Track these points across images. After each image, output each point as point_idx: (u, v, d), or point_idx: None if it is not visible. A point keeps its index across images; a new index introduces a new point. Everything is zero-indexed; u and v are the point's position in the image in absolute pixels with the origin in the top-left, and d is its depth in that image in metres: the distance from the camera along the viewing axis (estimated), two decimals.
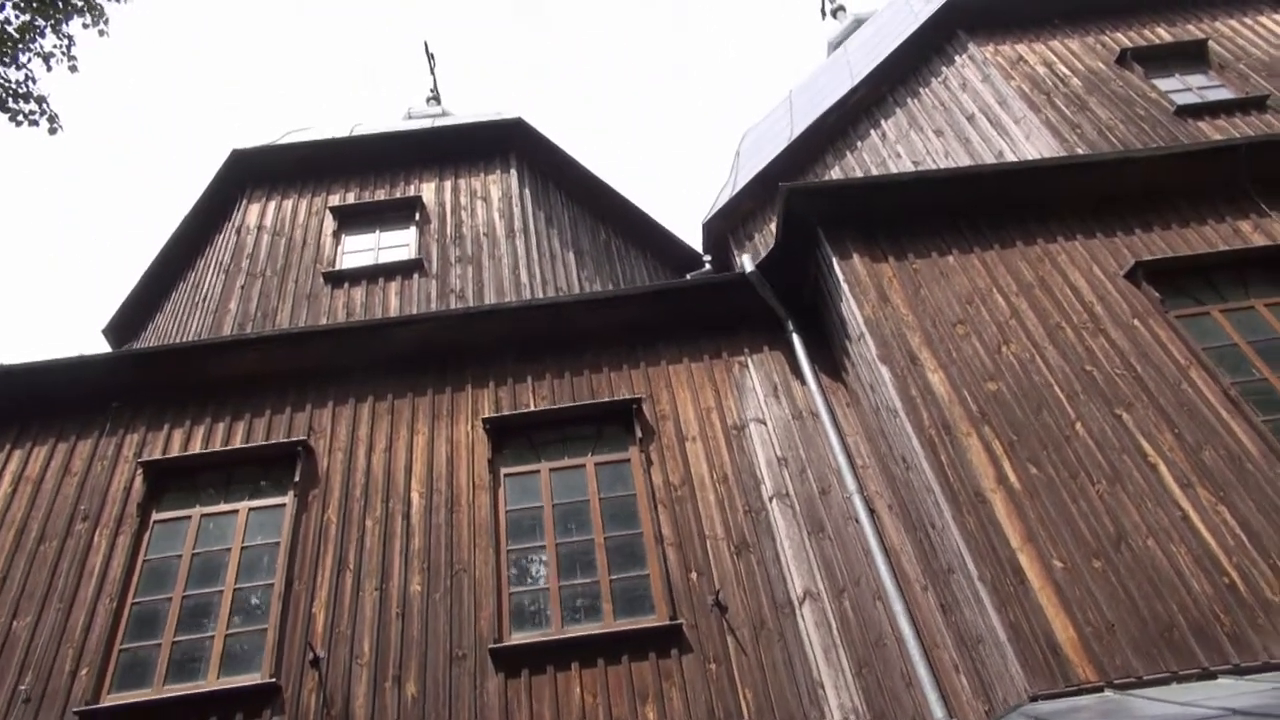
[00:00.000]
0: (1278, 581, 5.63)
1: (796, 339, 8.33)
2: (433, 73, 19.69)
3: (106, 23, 6.65)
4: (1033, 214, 8.16)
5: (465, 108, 19.82)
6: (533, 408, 8.05)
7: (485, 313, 8.27)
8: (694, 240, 13.09)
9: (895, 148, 11.10)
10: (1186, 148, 8.39)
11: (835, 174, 11.59)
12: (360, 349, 8.32)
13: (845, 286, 7.67)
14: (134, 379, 8.33)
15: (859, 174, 11.34)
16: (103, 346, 12.06)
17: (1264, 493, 6.09)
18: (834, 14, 20.23)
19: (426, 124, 12.16)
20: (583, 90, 52.14)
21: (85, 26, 6.71)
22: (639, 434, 7.75)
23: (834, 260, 7.88)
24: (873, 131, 11.50)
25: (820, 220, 8.15)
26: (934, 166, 10.52)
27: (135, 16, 43.41)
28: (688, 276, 11.14)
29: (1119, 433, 6.50)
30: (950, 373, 6.97)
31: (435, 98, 19.14)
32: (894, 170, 10.88)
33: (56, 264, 41.26)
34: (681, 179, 47.34)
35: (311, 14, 47.75)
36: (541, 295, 9.55)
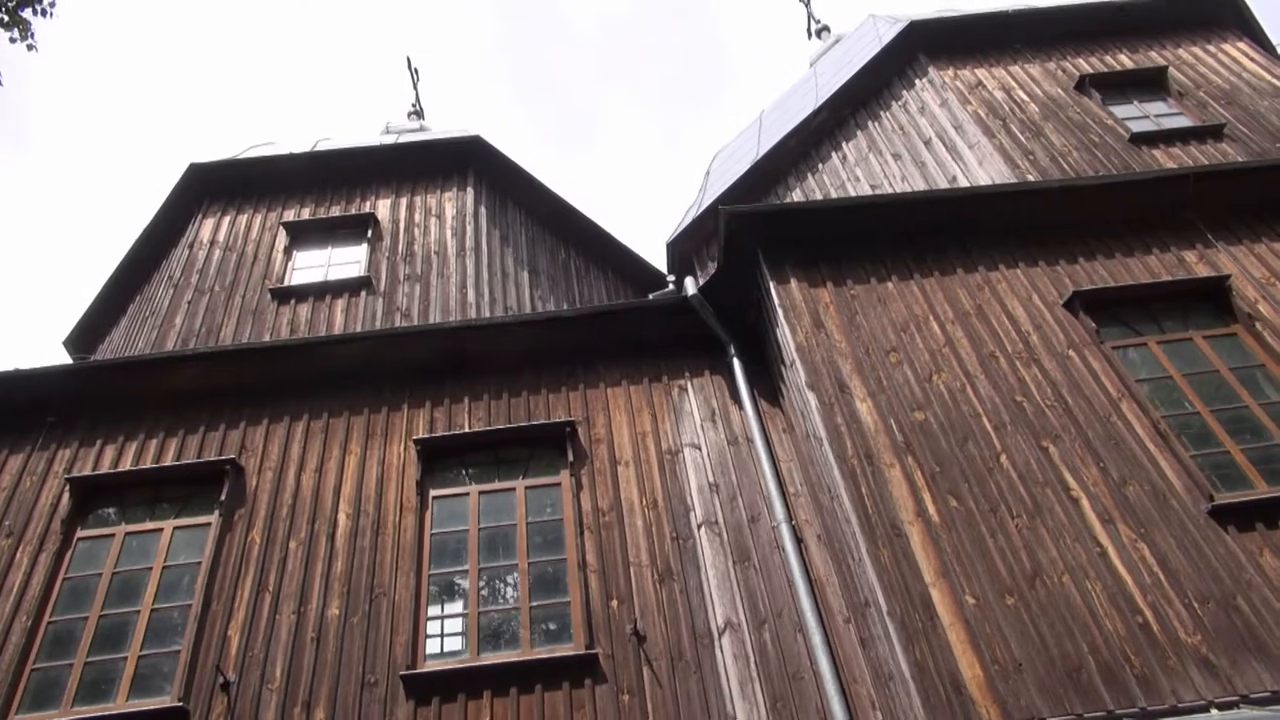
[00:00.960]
0: (1192, 622, 5.52)
1: (737, 363, 8.24)
2: (415, 88, 19.71)
3: (33, 36, 6.61)
4: (976, 240, 8.09)
5: (446, 123, 19.88)
6: (467, 429, 7.98)
7: (420, 333, 8.23)
8: (662, 260, 13.01)
9: (855, 170, 11.04)
10: (1132, 176, 8.32)
11: (796, 196, 11.54)
12: (297, 367, 8.27)
13: (780, 312, 7.60)
14: (70, 394, 8.29)
15: (819, 196, 11.28)
16: (63, 359, 12.02)
17: (1185, 529, 5.99)
18: (818, 34, 20.24)
19: (397, 139, 12.15)
20: (569, 106, 52.31)
21: (13, 41, 6.67)
22: (570, 458, 7.67)
23: (771, 285, 7.82)
24: (834, 154, 11.45)
25: (761, 244, 8.09)
26: (890, 190, 10.47)
27: (126, 23, 43.69)
28: (649, 297, 11.07)
29: (1044, 466, 6.41)
30: (878, 401, 6.88)
31: (417, 112, 19.16)
32: (852, 193, 10.83)
33: (25, 270, 41.34)
34: (664, 198, 47.42)
35: (299, 28, 47.98)
36: (489, 314, 9.50)
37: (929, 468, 6.42)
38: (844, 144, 11.39)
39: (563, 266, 11.42)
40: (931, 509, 6.19)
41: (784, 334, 7.53)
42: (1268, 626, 5.48)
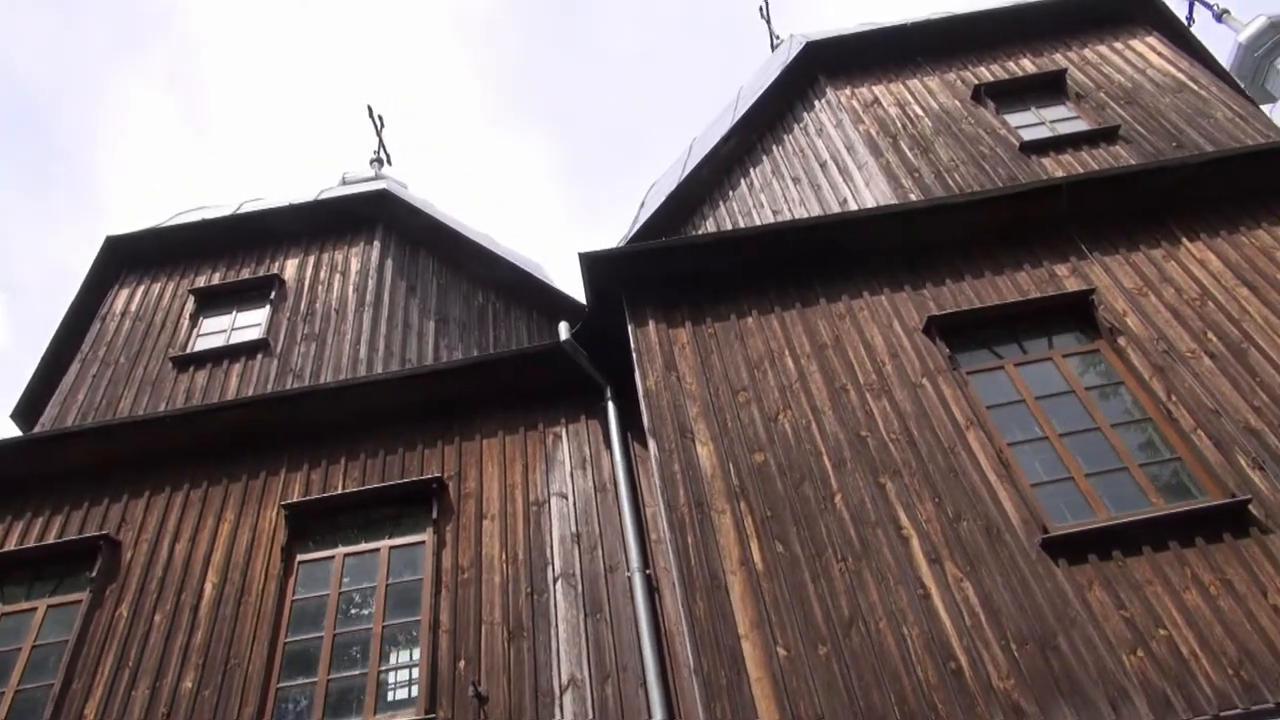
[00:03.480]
0: (1007, 665, 5.31)
1: (611, 407, 8.14)
2: (379, 135, 19.94)
3: None
4: (840, 268, 7.91)
5: (410, 170, 19.99)
6: (340, 490, 7.99)
7: (294, 396, 8.27)
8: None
9: (760, 196, 10.91)
10: (1001, 191, 8.11)
11: (709, 225, 11.43)
12: (175, 438, 8.35)
13: (635, 355, 7.51)
14: None
15: (728, 225, 11.16)
16: (12, 432, 12.31)
17: (1015, 566, 5.77)
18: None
19: (318, 196, 12.26)
20: (548, 137, 52.53)
21: None
22: (435, 515, 7.63)
23: (630, 327, 7.73)
24: (743, 180, 11.33)
25: (623, 286, 8.00)
26: (790, 215, 10.32)
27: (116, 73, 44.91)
28: (524, 345, 11.03)
29: (878, 504, 6.22)
30: (720, 445, 6.75)
31: (379, 160, 19.38)
32: (757, 221, 10.69)
33: None
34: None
35: (267, 79, 48.75)
36: (381, 369, 9.52)
37: (761, 512, 6.28)
38: (752, 170, 11.27)
39: (479, 311, 11.43)
40: (757, 556, 6.04)
41: (638, 377, 7.43)
42: (1085, 667, 5.24)
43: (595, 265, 8.00)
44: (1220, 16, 18.98)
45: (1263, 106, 17.30)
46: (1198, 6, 19.35)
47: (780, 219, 10.34)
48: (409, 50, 51.00)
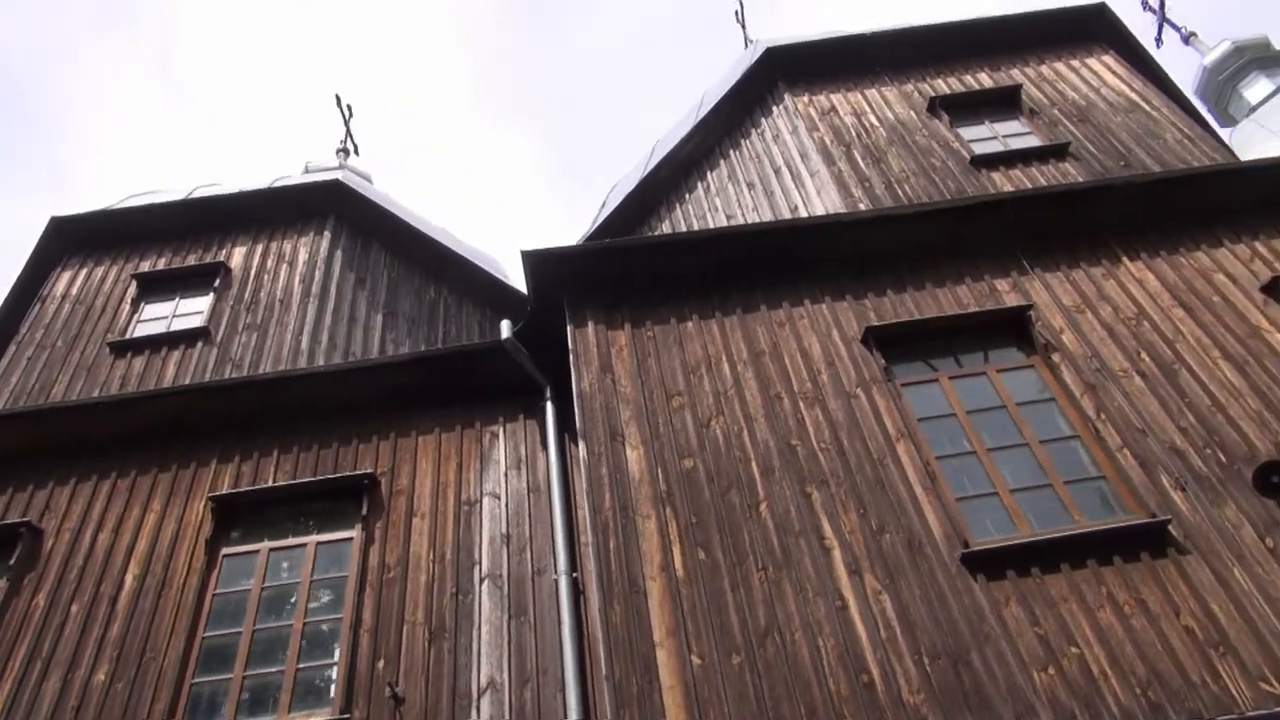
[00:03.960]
0: (919, 679, 5.29)
1: (549, 407, 8.07)
2: (347, 124, 19.77)
3: None
4: (784, 275, 7.88)
5: (377, 161, 19.84)
6: (271, 484, 7.86)
7: (230, 386, 8.14)
8: None
9: (715, 200, 10.89)
10: (949, 204, 8.12)
11: (665, 227, 11.39)
12: (106, 425, 8.19)
13: (572, 357, 7.44)
14: None
15: (683, 228, 11.13)
16: None
17: (934, 579, 5.75)
18: None
19: (272, 184, 12.11)
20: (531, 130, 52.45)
21: None
22: (365, 511, 7.53)
23: (569, 328, 7.67)
24: (699, 183, 11.30)
25: (565, 286, 7.93)
26: (743, 220, 10.29)
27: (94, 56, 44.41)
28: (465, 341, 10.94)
29: (803, 513, 6.19)
30: (650, 450, 6.69)
31: (345, 150, 19.21)
32: (711, 224, 10.66)
33: None
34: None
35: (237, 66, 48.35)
36: (322, 362, 9.41)
37: (686, 519, 6.23)
38: (709, 173, 11.23)
39: (430, 306, 11.33)
40: (678, 563, 5.99)
41: (574, 380, 7.36)
42: (995, 683, 5.23)
43: (537, 265, 7.92)
44: (1188, 39, 19.16)
45: (1227, 129, 17.49)
46: (1166, 29, 19.53)
47: (733, 223, 10.31)
48: (399, 43, 50.81)
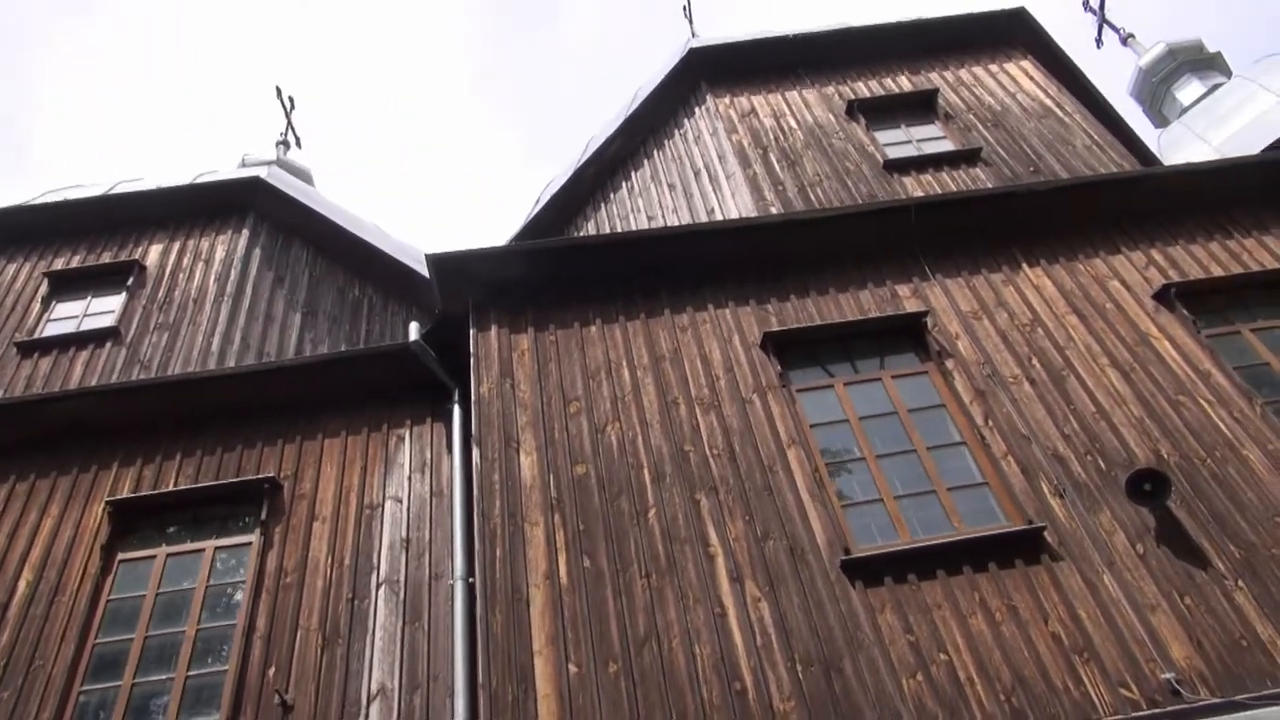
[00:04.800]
0: (790, 686, 5.35)
1: (456, 410, 8.05)
2: (288, 117, 19.55)
3: None
4: (690, 279, 7.90)
5: (319, 154, 19.59)
6: (171, 488, 7.78)
7: (135, 388, 8.05)
8: None
9: (638, 200, 10.90)
10: (853, 209, 8.19)
11: (590, 228, 11.39)
12: (6, 427, 8.06)
13: (472, 361, 7.43)
14: None
15: (608, 229, 11.13)
16: None
17: (814, 586, 5.82)
18: None
19: (194, 180, 11.92)
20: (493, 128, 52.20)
21: None
22: (264, 515, 7.47)
23: (472, 331, 7.65)
24: (624, 184, 11.31)
25: (472, 289, 7.91)
26: (663, 222, 10.31)
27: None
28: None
29: (691, 520, 6.23)
30: (544, 456, 6.71)
31: (285, 143, 19.00)
32: (634, 225, 10.67)
33: None
34: None
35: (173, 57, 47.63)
36: (233, 363, 9.32)
37: (574, 526, 6.25)
38: (634, 173, 11.24)
39: (353, 305, 11.25)
40: (563, 570, 6.01)
41: (473, 384, 7.35)
42: (865, 690, 5.31)
43: (442, 267, 7.90)
44: (1126, 40, 19.41)
45: (1159, 131, 17.76)
46: (1105, 29, 19.76)
47: (654, 225, 10.32)
48: (398, 43, 50.29)
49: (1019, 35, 11.06)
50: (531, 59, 53.37)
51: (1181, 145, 15.43)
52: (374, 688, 6.43)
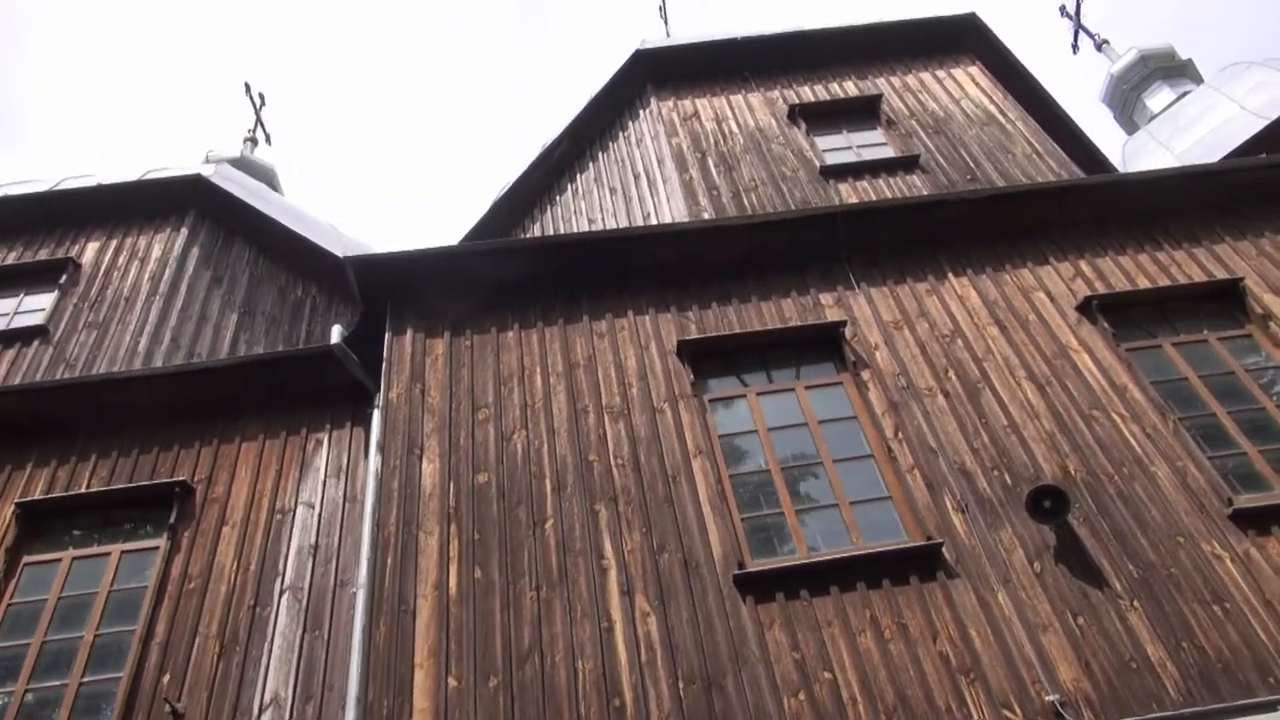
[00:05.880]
0: (671, 704, 5.27)
1: (376, 415, 7.95)
2: (258, 113, 19.48)
3: None
4: (614, 285, 7.80)
5: (288, 151, 19.49)
6: (83, 490, 7.69)
7: (47, 389, 7.96)
8: None
9: (580, 203, 10.81)
10: (780, 216, 8.10)
11: (536, 230, 11.30)
12: None
13: (384, 365, 7.34)
14: None
15: (551, 231, 11.04)
16: None
17: (705, 601, 5.73)
18: None
19: (169, 174, 11.77)
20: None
21: None
22: (173, 520, 7.38)
23: (388, 335, 7.56)
24: (570, 186, 11.21)
25: (391, 293, 7.82)
26: (603, 225, 10.22)
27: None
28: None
29: (588, 531, 6.14)
30: (447, 463, 6.62)
31: (254, 139, 18.93)
32: (575, 229, 10.58)
33: None
34: None
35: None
36: (162, 363, 9.22)
37: (469, 535, 6.16)
38: (579, 176, 11.15)
39: (295, 305, 11.15)
40: (453, 581, 5.92)
41: (382, 389, 7.26)
42: (745, 708, 5.22)
43: (361, 271, 7.81)
44: (1100, 46, 19.30)
45: (1129, 137, 17.63)
46: (1081, 35, 19.67)
47: (594, 228, 10.23)
48: (399, 44, 50.21)
49: (969, 41, 10.96)
50: (534, 59, 53.32)
51: (1146, 153, 15.32)
52: (267, 697, 6.33)
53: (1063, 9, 20.27)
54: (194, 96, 48.22)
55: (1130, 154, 15.93)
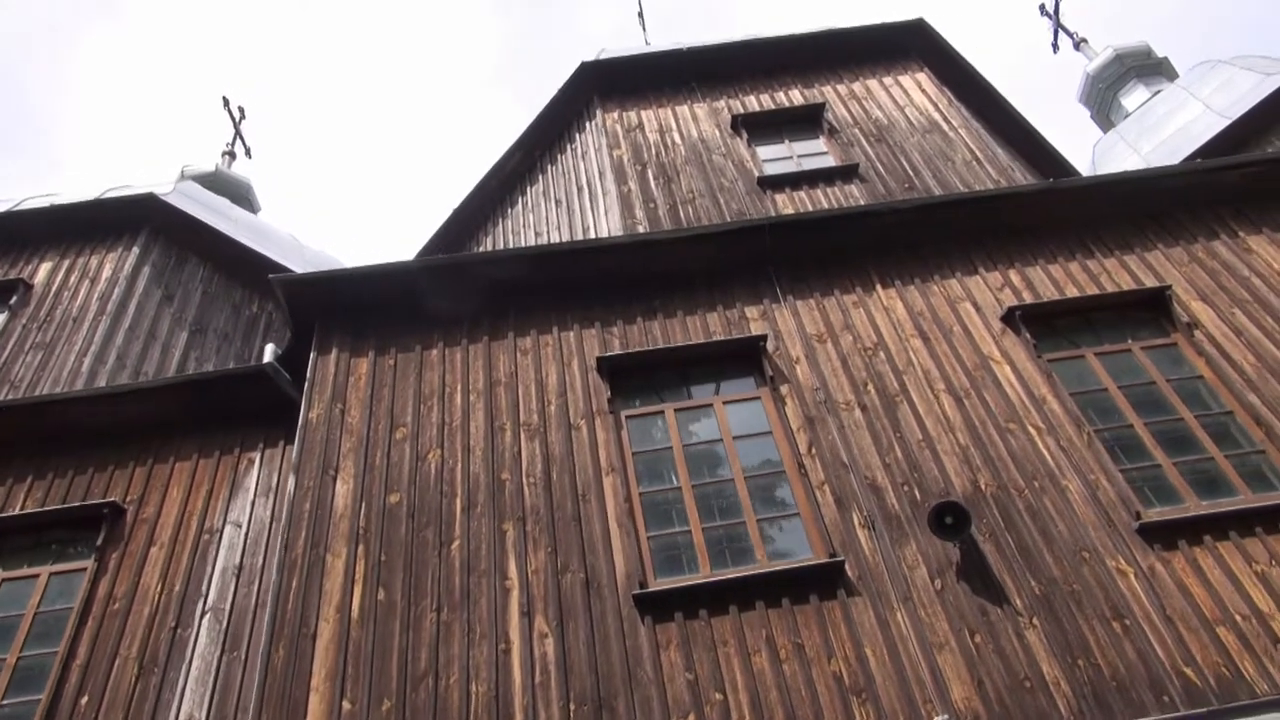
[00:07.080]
0: None
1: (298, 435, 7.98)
2: (236, 127, 19.60)
3: None
4: (540, 301, 7.81)
5: (267, 166, 19.57)
6: (16, 511, 7.75)
7: None
8: None
9: (529, 216, 10.82)
10: (706, 229, 8.09)
11: (488, 243, 11.31)
12: None
13: (306, 385, 7.36)
14: None
15: (503, 244, 11.05)
16: None
17: (604, 621, 5.73)
18: None
19: (123, 193, 11.89)
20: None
21: None
22: (100, 541, 7.42)
23: (312, 354, 7.59)
24: (521, 198, 11.22)
25: (317, 312, 7.85)
26: (548, 239, 10.22)
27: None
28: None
29: (494, 551, 6.15)
30: (359, 484, 6.63)
31: (232, 153, 19.04)
32: (523, 242, 10.59)
33: None
34: None
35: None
36: (106, 383, 9.28)
37: (376, 556, 6.17)
38: (529, 189, 11.16)
39: (249, 322, 11.21)
40: (355, 604, 5.93)
41: (302, 409, 7.28)
42: None
43: (288, 290, 7.84)
44: (1079, 45, 19.17)
45: (1101, 137, 17.48)
46: (1060, 35, 19.55)
47: (540, 242, 10.24)
48: (399, 45, 50.40)
49: (917, 47, 10.90)
50: (543, 61, 53.40)
51: (1114, 154, 15.19)
52: (182, 718, 6.37)
53: (1042, 8, 20.17)
54: (184, 112, 48.56)
55: (1100, 155, 15.81)
